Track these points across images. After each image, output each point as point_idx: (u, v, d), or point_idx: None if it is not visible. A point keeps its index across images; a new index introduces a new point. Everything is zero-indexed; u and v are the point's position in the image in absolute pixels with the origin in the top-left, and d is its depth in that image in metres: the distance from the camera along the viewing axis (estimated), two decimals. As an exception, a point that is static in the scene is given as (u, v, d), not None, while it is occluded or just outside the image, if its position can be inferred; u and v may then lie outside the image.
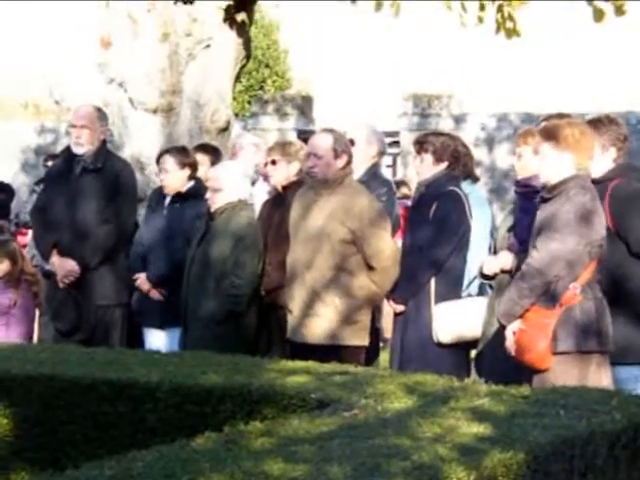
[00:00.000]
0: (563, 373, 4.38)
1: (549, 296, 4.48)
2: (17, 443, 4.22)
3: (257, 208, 6.22)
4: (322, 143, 5.54)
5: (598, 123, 4.83)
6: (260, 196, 6.38)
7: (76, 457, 3.87)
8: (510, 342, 4.55)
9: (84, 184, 6.30)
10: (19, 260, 6.58)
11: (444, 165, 5.69)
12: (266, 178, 6.53)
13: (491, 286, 5.43)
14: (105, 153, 6.41)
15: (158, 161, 6.37)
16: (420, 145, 5.73)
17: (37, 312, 6.80)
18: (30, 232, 8.71)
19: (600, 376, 4.47)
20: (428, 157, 5.69)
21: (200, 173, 6.43)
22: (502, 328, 4.65)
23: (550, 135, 4.55)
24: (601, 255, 4.53)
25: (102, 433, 4.07)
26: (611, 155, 4.88)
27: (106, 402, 4.07)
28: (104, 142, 6.45)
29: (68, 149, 6.50)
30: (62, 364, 4.40)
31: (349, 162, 5.57)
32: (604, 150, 4.82)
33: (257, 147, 6.84)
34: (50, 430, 4.17)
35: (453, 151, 5.72)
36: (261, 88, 22.77)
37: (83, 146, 6.32)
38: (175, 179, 6.23)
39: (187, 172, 6.26)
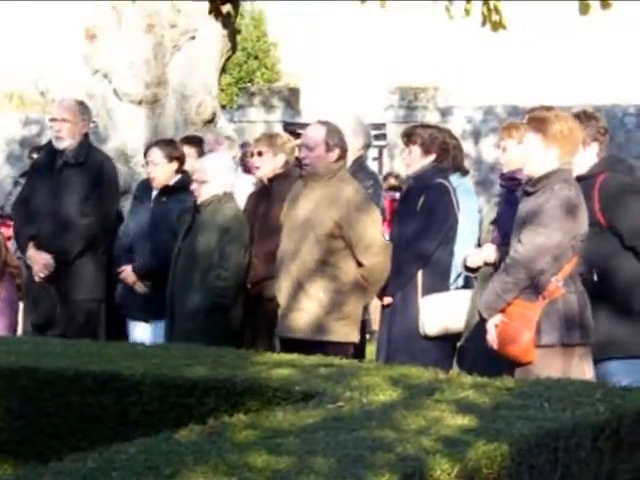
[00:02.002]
0: (546, 366, 4.39)
1: (532, 289, 4.48)
2: (0, 436, 4.20)
3: (238, 199, 6.17)
4: (314, 135, 5.45)
5: (576, 119, 4.81)
6: (240, 188, 6.34)
7: (59, 449, 3.84)
8: (492, 335, 4.55)
9: (65, 177, 6.27)
10: (2, 252, 6.55)
11: (432, 157, 5.67)
12: (246, 170, 6.51)
13: (476, 278, 5.43)
14: (87, 147, 6.37)
15: (145, 154, 6.33)
16: (408, 137, 5.72)
17: (21, 304, 6.76)
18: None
19: (583, 368, 4.48)
20: (416, 149, 5.67)
21: (187, 165, 6.40)
22: (484, 321, 4.64)
23: (538, 128, 4.53)
24: (584, 249, 4.54)
25: (85, 425, 4.06)
26: (593, 150, 4.87)
27: (90, 394, 4.06)
28: (86, 136, 6.41)
29: (51, 142, 6.48)
30: (45, 356, 4.39)
31: (342, 156, 5.46)
32: (585, 145, 4.81)
33: (231, 141, 6.79)
34: (33, 422, 4.15)
35: (441, 143, 5.71)
36: (250, 80, 22.75)
37: (64, 140, 6.29)
38: (163, 172, 6.19)
39: (175, 165, 6.23)
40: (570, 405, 3.43)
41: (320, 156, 5.41)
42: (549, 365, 4.38)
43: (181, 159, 6.28)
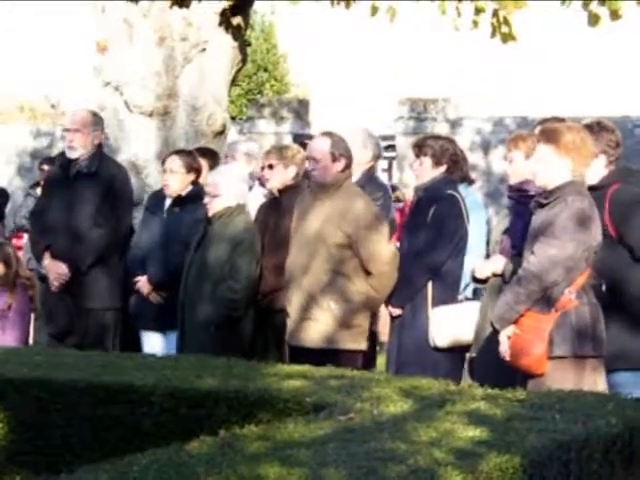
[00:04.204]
0: (559, 378, 4.38)
1: (544, 301, 4.47)
2: (12, 447, 4.21)
3: (252, 212, 6.20)
4: (320, 147, 5.54)
5: (588, 130, 4.81)
6: (255, 201, 6.36)
7: (71, 461, 3.86)
8: (504, 347, 4.55)
9: (79, 188, 6.31)
10: (13, 263, 6.57)
11: (443, 168, 5.68)
12: (262, 183, 6.52)
13: (485, 290, 5.42)
14: (99, 157, 6.40)
15: (164, 162, 6.36)
16: (419, 148, 5.73)
17: (32, 316, 6.78)
18: (26, 235, 8.70)
19: (595, 381, 4.47)
20: (427, 160, 5.68)
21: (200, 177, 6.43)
22: (496, 332, 4.64)
23: (550, 139, 4.53)
24: (594, 261, 4.53)
25: (97, 437, 4.06)
26: (601, 162, 4.85)
27: (101, 406, 4.07)
28: (99, 146, 6.44)
29: (64, 154, 6.52)
30: (57, 368, 4.40)
31: (348, 166, 5.55)
32: (593, 157, 4.80)
33: (249, 156, 6.78)
34: (45, 434, 4.16)
35: (452, 155, 5.72)
36: (260, 92, 22.81)
37: (76, 150, 6.33)
38: (179, 181, 6.21)
39: (192, 177, 6.26)
40: (582, 417, 3.42)
41: (327, 167, 5.48)
42: (561, 377, 4.38)
43: (198, 171, 6.32)
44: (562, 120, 5.09)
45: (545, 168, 4.54)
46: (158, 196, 6.42)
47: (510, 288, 4.56)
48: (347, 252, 5.39)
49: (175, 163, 6.22)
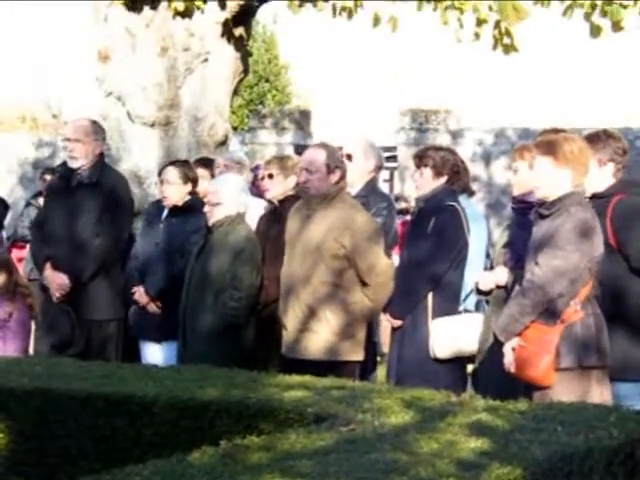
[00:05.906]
0: (565, 389, 4.37)
1: (549, 313, 4.46)
2: (13, 457, 4.20)
3: (249, 222, 6.18)
4: (315, 158, 5.54)
5: (595, 138, 4.82)
6: (251, 210, 6.34)
7: (72, 472, 3.85)
8: (509, 359, 4.54)
9: (80, 198, 6.32)
10: (14, 272, 6.58)
11: (443, 179, 5.69)
12: (258, 193, 6.52)
13: (488, 302, 5.42)
14: (100, 167, 6.41)
15: (160, 173, 6.36)
16: (420, 159, 5.73)
17: (33, 325, 6.78)
18: (28, 246, 8.71)
19: (601, 391, 4.46)
20: (427, 171, 5.69)
21: (201, 187, 6.43)
22: (499, 344, 4.62)
23: (548, 150, 4.53)
24: (597, 271, 4.53)
25: (98, 447, 4.06)
26: (609, 170, 4.86)
27: (102, 416, 4.06)
28: (100, 156, 6.45)
29: (65, 164, 6.53)
30: (58, 378, 4.39)
31: (343, 177, 5.56)
32: (601, 165, 4.81)
33: (241, 165, 6.78)
34: (46, 444, 4.15)
35: (453, 165, 5.73)
36: (261, 103, 22.83)
37: (77, 160, 6.34)
38: (176, 192, 6.23)
39: (189, 187, 6.27)
40: (584, 429, 3.42)
41: (322, 179, 5.49)
42: (567, 388, 4.37)
43: (195, 181, 6.33)
44: (560, 131, 5.09)
45: (545, 180, 4.53)
46: (156, 207, 6.43)
47: (514, 300, 4.55)
48: (344, 263, 5.40)
49: (171, 174, 6.24)
